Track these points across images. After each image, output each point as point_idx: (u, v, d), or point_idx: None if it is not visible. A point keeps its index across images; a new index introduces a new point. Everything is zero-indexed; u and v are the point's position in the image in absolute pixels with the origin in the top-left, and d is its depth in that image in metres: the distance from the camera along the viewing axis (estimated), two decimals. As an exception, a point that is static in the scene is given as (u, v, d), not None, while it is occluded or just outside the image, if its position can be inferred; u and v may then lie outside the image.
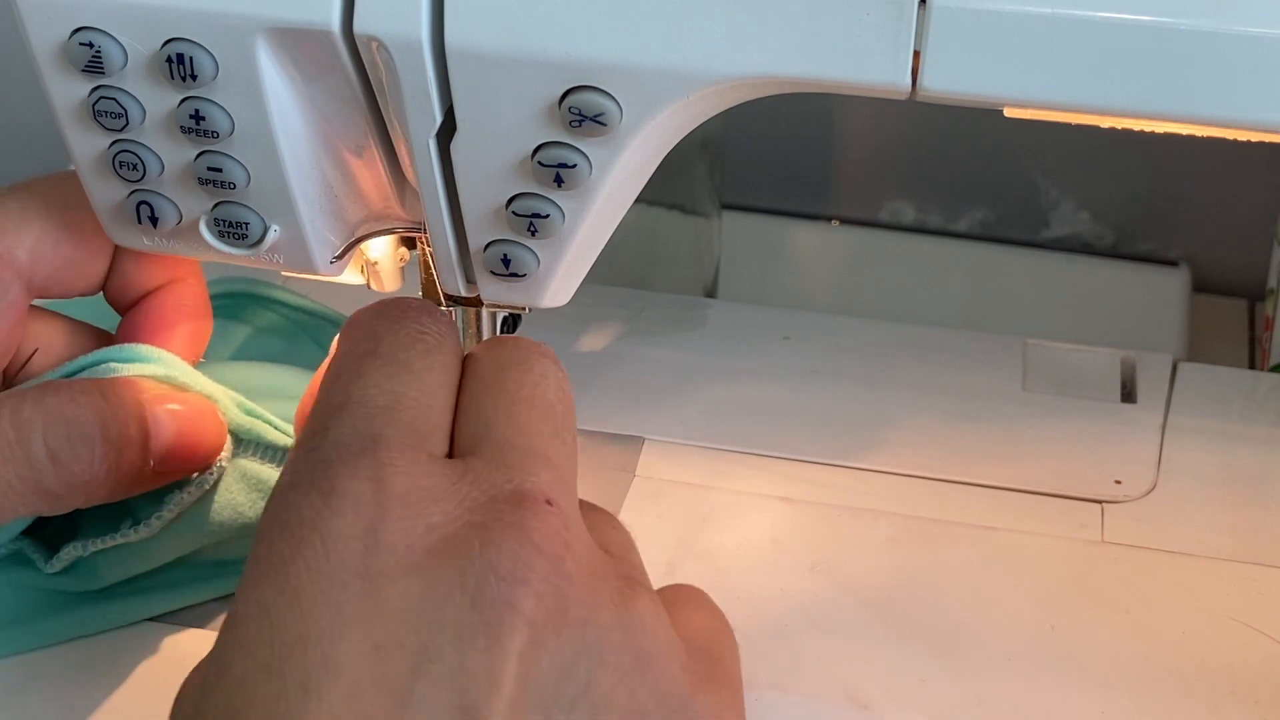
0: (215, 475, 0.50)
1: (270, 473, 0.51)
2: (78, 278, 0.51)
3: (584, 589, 0.38)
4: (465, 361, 0.44)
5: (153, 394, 0.48)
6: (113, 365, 0.49)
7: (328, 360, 0.43)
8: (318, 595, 0.36)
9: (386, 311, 0.43)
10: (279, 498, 0.39)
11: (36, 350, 0.51)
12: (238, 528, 0.51)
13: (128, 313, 0.52)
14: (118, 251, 0.51)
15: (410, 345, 0.42)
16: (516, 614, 0.37)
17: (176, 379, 0.49)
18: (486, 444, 0.40)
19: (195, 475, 0.50)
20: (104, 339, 0.53)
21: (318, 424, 0.40)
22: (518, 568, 0.37)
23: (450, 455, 0.41)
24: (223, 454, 0.50)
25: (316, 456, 0.39)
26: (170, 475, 0.49)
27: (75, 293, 0.51)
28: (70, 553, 0.50)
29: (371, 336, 0.42)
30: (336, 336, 0.44)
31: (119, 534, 0.49)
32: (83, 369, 0.49)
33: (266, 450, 0.51)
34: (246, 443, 0.51)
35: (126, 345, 0.50)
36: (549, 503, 0.38)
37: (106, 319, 0.53)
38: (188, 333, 0.52)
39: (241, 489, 0.50)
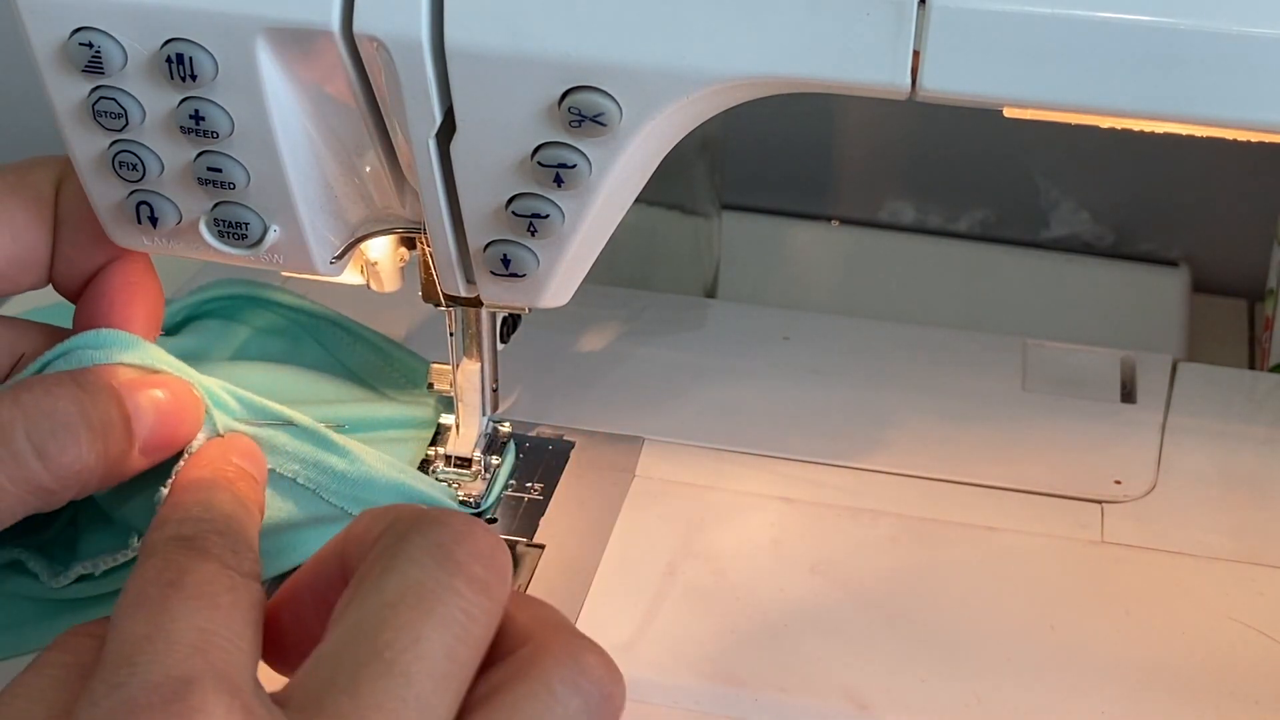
0: None
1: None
2: (23, 274, 0.50)
3: None
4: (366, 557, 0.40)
5: (127, 379, 0.48)
6: (82, 354, 0.48)
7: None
8: None
9: (189, 539, 0.41)
10: None
11: (23, 355, 0.50)
12: None
13: (80, 298, 0.51)
14: (58, 238, 0.50)
15: (214, 579, 0.40)
16: None
17: (150, 363, 0.49)
18: (321, 712, 0.36)
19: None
20: None
21: (122, 657, 0.37)
22: None
23: (285, 692, 0.37)
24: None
25: (122, 696, 0.35)
26: (156, 457, 0.48)
27: (24, 287, 0.50)
28: (78, 570, 0.49)
29: (174, 565, 0.40)
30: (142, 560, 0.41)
31: (129, 548, 0.49)
32: (53, 360, 0.48)
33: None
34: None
35: (92, 331, 0.49)
36: None
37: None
38: (145, 308, 0.51)
39: None
